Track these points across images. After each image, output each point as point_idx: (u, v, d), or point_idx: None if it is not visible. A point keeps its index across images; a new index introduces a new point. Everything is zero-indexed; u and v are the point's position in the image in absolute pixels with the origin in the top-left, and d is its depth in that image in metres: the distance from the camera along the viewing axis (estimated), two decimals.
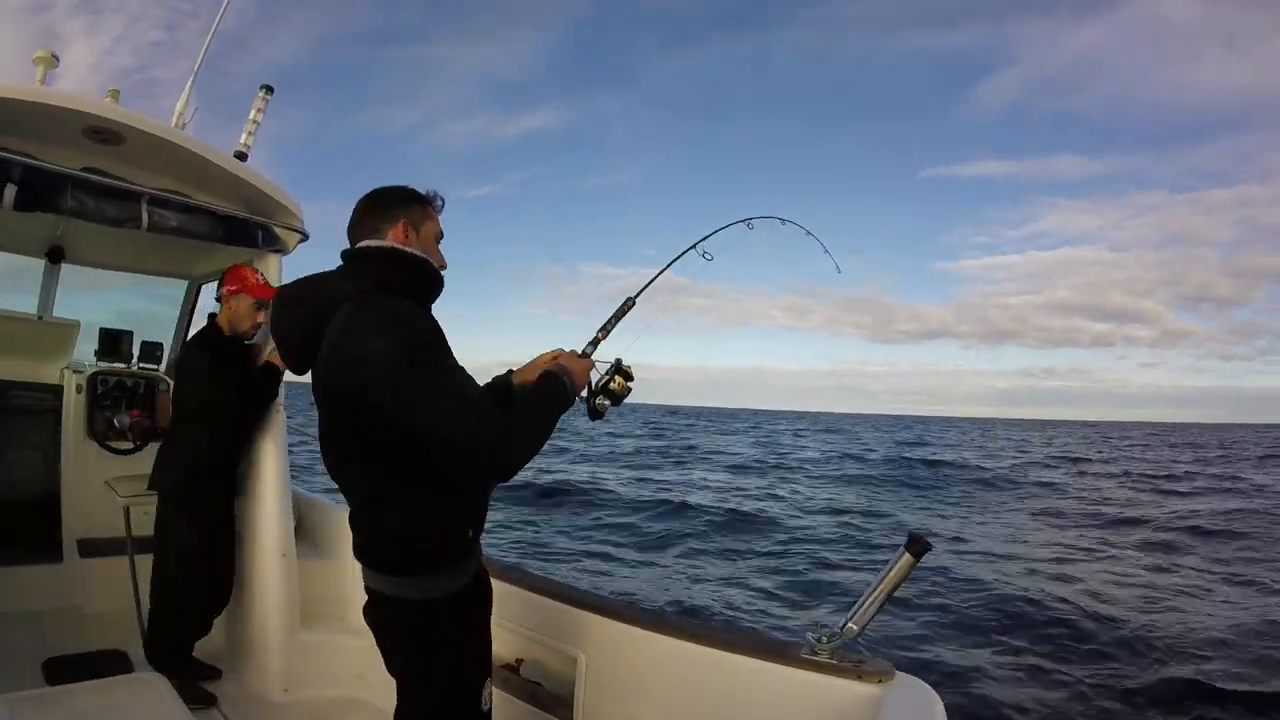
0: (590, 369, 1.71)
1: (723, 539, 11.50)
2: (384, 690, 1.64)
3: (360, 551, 1.53)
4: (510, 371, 1.77)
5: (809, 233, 2.16)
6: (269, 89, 3.07)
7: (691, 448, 32.54)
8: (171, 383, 3.76)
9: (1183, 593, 8.60)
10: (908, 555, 1.63)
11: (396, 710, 1.57)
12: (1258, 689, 5.53)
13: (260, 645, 2.86)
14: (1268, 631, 6.93)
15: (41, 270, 3.89)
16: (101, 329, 3.99)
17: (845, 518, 13.96)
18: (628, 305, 1.84)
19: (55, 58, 2.62)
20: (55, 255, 3.83)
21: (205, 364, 2.77)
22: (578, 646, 2.16)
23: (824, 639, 1.73)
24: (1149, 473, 26.39)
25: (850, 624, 1.68)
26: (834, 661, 1.69)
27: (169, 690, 1.78)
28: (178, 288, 4.20)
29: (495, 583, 1.69)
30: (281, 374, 2.90)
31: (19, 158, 2.35)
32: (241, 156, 2.97)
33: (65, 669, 2.71)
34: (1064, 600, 7.81)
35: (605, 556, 10.15)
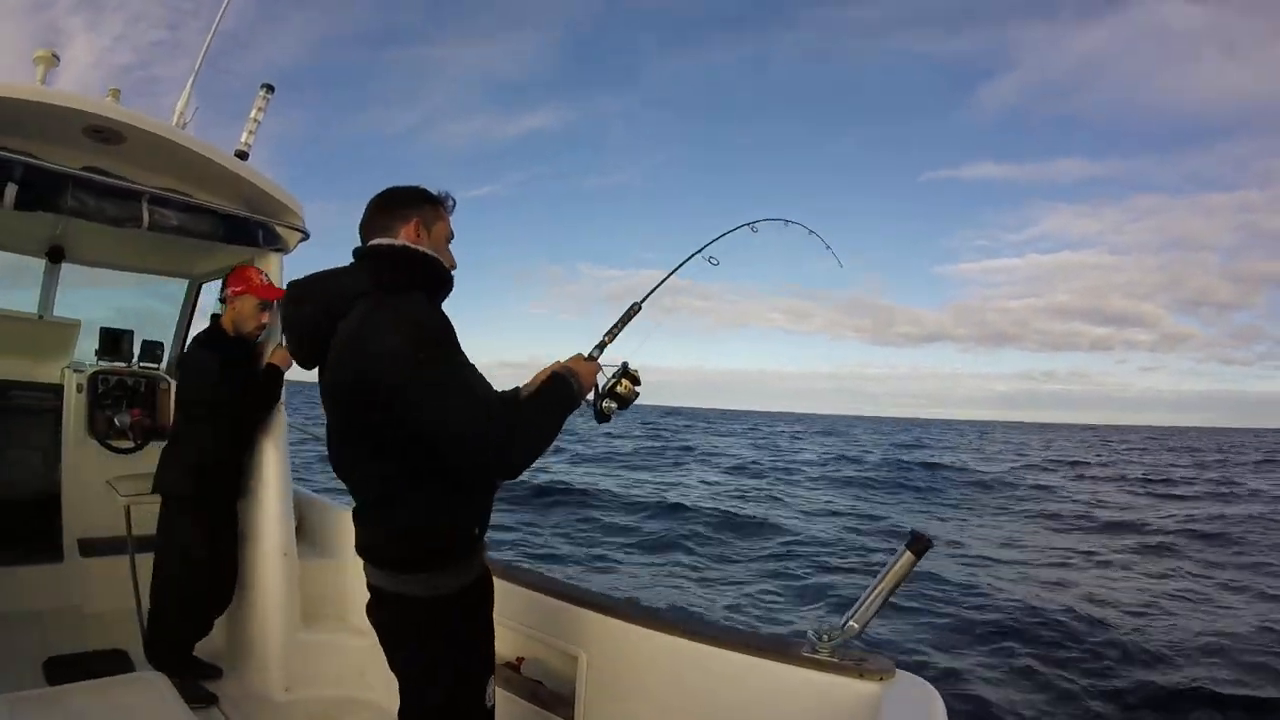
0: (596, 372, 1.71)
1: (719, 540, 11.49)
2: (385, 689, 1.64)
3: (366, 549, 1.53)
4: (518, 389, 1.75)
5: (811, 231, 2.17)
6: (270, 88, 3.06)
7: (689, 449, 32.49)
8: (173, 382, 3.75)
9: (1178, 597, 8.61)
10: (909, 553, 1.63)
11: (400, 708, 1.57)
12: (1253, 694, 5.54)
13: (261, 644, 2.85)
14: (1262, 636, 6.94)
15: (42, 269, 3.88)
16: (102, 328, 3.98)
17: (842, 520, 13.96)
18: (634, 310, 1.83)
19: (56, 57, 2.62)
20: (56, 254, 3.82)
21: (216, 365, 2.76)
22: (579, 645, 2.16)
23: (825, 637, 1.72)
24: (1147, 476, 26.40)
25: (851, 622, 1.68)
26: (835, 659, 1.69)
27: (170, 689, 1.78)
28: (178, 287, 4.20)
29: (496, 581, 1.69)
30: (284, 375, 2.91)
31: (20, 157, 2.35)
32: (242, 156, 2.96)
33: (66, 669, 2.70)
34: (1060, 604, 7.82)
35: (603, 557, 10.14)
